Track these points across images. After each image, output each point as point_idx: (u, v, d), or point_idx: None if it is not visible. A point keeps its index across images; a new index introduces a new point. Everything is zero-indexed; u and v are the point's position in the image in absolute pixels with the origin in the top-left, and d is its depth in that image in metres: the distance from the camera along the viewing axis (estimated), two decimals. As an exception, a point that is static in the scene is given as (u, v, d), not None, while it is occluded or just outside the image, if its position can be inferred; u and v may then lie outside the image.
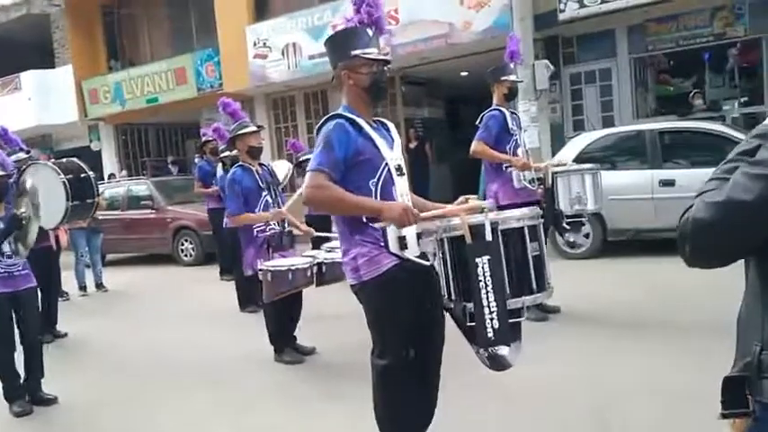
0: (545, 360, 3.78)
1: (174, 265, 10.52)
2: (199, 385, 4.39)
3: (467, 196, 2.57)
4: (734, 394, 1.18)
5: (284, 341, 4.67)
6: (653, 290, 5.66)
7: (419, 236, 2.56)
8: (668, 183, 6.88)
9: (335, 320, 5.60)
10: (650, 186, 6.98)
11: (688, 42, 9.70)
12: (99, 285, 8.76)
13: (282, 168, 7.80)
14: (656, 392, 3.42)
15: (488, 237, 2.11)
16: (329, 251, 4.43)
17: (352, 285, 2.59)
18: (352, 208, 2.47)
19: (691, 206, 1.16)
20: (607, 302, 5.37)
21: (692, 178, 6.81)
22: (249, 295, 6.51)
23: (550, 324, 4.77)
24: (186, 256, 10.54)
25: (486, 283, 2.08)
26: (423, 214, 2.41)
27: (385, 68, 2.65)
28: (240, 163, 4.74)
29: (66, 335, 6.19)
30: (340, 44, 2.66)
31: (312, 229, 4.86)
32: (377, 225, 2.42)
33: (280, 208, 4.68)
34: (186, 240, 10.53)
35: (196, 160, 12.62)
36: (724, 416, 1.22)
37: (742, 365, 1.18)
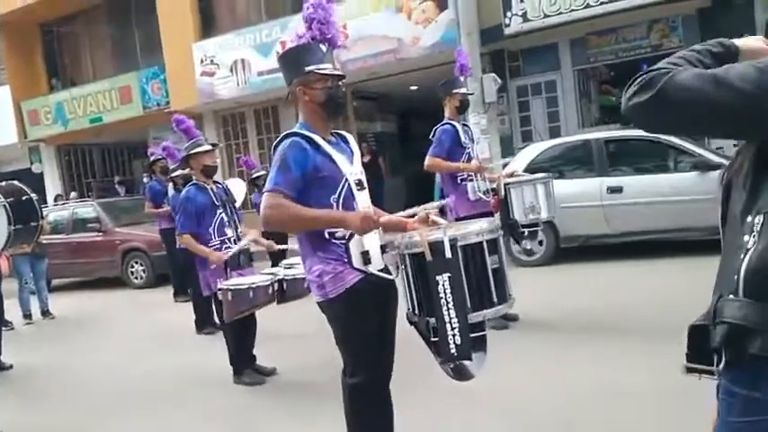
0: (506, 365, 3.83)
1: (124, 288, 10.20)
2: (157, 411, 4.25)
3: (425, 208, 2.58)
4: (697, 346, 1.21)
5: (244, 362, 4.58)
6: (605, 294, 5.82)
7: (383, 249, 2.56)
8: (616, 190, 7.11)
9: (295, 339, 5.53)
10: (599, 194, 7.19)
11: (627, 54, 10.11)
12: (45, 313, 8.41)
13: (238, 187, 7.70)
14: (611, 393, 3.52)
15: (448, 254, 2.12)
16: (288, 267, 4.38)
17: (318, 302, 2.58)
18: (311, 222, 2.45)
19: (659, 67, 1.20)
20: (561, 308, 5.49)
21: (639, 185, 7.08)
22: (206, 316, 6.38)
23: (509, 331, 4.83)
24: (137, 278, 10.24)
25: (447, 300, 2.10)
26: (381, 219, 2.43)
27: (340, 83, 2.65)
28: (194, 181, 4.65)
29: (11, 366, 5.91)
30: (293, 60, 2.64)
31: (273, 243, 4.80)
32: (338, 234, 2.42)
33: (236, 226, 4.60)
34: (136, 262, 10.24)
35: (145, 180, 12.34)
36: (688, 369, 1.24)
37: (704, 315, 1.22)
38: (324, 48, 2.64)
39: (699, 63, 1.25)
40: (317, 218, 2.43)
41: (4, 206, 5.30)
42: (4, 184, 5.99)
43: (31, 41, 16.58)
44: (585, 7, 9.34)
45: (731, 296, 1.16)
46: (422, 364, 2.76)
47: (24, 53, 16.50)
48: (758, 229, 1.14)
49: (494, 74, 10.14)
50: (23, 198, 5.63)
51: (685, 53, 1.28)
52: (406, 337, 2.66)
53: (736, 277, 1.16)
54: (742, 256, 1.15)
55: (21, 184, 5.90)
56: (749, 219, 1.16)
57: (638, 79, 1.21)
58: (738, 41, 1.31)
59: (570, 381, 3.77)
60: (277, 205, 2.40)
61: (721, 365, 1.17)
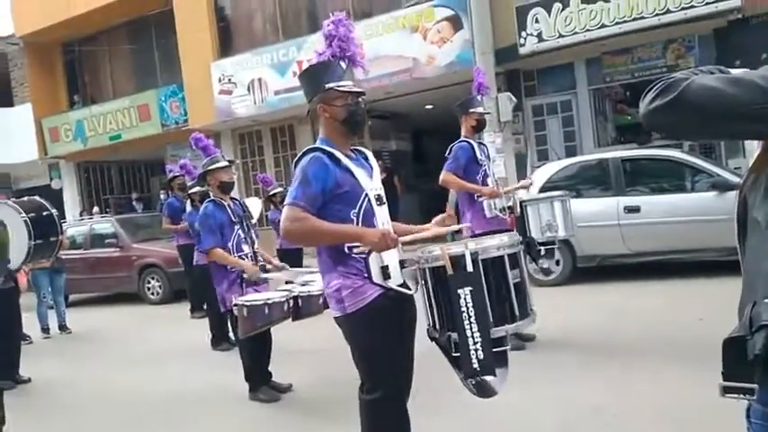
0: (518, 384, 3.79)
1: (141, 303, 10.26)
2: (173, 426, 4.25)
3: (443, 215, 2.59)
4: (734, 362, 1.13)
5: (260, 378, 4.57)
6: (622, 314, 5.76)
7: (402, 264, 2.56)
8: (633, 209, 7.07)
9: (311, 356, 5.53)
10: (616, 213, 7.15)
11: (643, 74, 10.10)
12: (62, 327, 8.48)
13: (255, 205, 7.76)
14: (625, 414, 3.47)
15: (469, 267, 2.12)
16: (304, 284, 4.38)
17: (336, 317, 2.57)
18: (330, 236, 2.47)
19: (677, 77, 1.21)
20: (578, 328, 5.44)
21: (656, 204, 7.03)
22: (221, 333, 6.39)
23: (525, 351, 4.79)
24: (153, 294, 10.30)
25: (469, 313, 2.09)
26: (402, 238, 2.42)
27: (360, 100, 2.67)
28: (212, 198, 4.70)
29: (29, 380, 5.94)
30: (313, 78, 2.67)
31: (286, 265, 4.82)
32: (356, 250, 2.42)
33: (253, 242, 4.63)
34: (153, 278, 10.31)
35: (162, 197, 12.46)
36: (726, 389, 1.15)
37: (739, 326, 1.16)
38: (344, 65, 2.67)
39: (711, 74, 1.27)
40: (335, 232, 2.44)
41: (25, 221, 5.39)
42: (25, 199, 6.09)
43: (53, 60, 16.93)
44: (600, 27, 9.38)
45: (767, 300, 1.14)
46: (439, 382, 2.74)
47: (46, 72, 16.84)
48: None
49: (509, 93, 10.17)
50: (44, 213, 5.71)
51: (695, 70, 1.30)
52: (426, 354, 2.64)
53: None
54: None
55: (42, 200, 5.99)
56: None
57: (658, 85, 1.22)
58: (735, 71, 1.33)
59: (583, 403, 3.72)
60: (297, 218, 2.42)
61: (758, 379, 1.12)
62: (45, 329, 8.26)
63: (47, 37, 15.91)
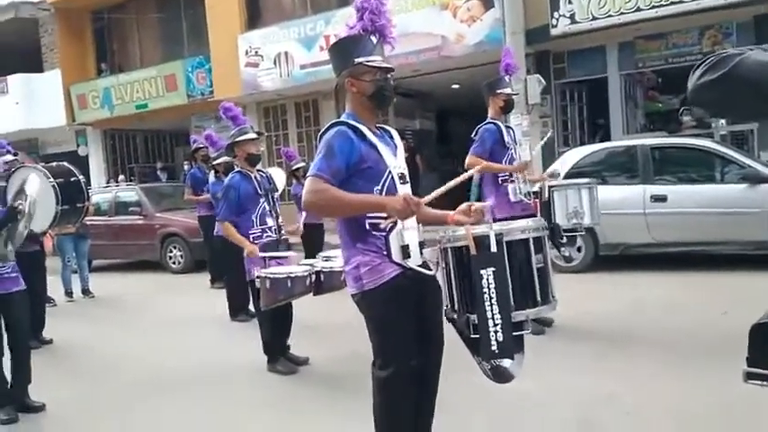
0: (534, 371, 3.77)
1: (162, 272, 10.41)
2: (189, 394, 4.32)
3: (470, 203, 2.54)
4: (760, 347, 1.10)
5: (278, 351, 4.62)
6: (643, 305, 5.69)
7: (422, 245, 2.54)
8: (660, 198, 6.94)
9: (329, 331, 5.56)
10: (642, 202, 7.03)
11: (677, 60, 9.85)
12: (85, 291, 8.64)
13: (280, 176, 7.77)
14: (644, 405, 3.44)
15: (493, 248, 2.09)
16: (326, 260, 4.39)
17: (353, 294, 2.56)
18: (352, 206, 2.43)
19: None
20: (597, 316, 5.38)
21: (684, 194, 6.90)
22: (240, 304, 6.45)
23: (543, 336, 4.76)
24: (174, 263, 10.44)
25: (490, 295, 2.07)
26: (423, 209, 2.34)
27: (388, 76, 2.63)
28: (239, 169, 4.70)
29: (51, 341, 6.09)
30: (343, 52, 2.63)
31: (300, 227, 4.86)
32: (383, 224, 2.37)
33: (277, 215, 4.64)
34: (175, 247, 10.43)
35: (186, 167, 12.54)
36: (749, 375, 1.12)
37: (766, 313, 1.12)
38: (374, 39, 2.63)
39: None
40: (357, 202, 2.41)
41: (53, 186, 5.45)
42: (54, 164, 6.15)
43: (83, 27, 17.02)
44: (636, 10, 9.15)
45: None
46: (453, 366, 2.72)
47: (75, 39, 16.94)
48: None
49: (538, 75, 10.00)
50: (71, 179, 5.76)
51: (750, 47, 1.25)
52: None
53: None
54: None
55: (69, 166, 6.05)
56: None
57: (708, 60, 1.18)
58: None
59: (600, 392, 3.69)
60: (319, 190, 2.39)
61: None
62: (68, 293, 8.43)
63: (77, 3, 15.98)
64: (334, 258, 4.30)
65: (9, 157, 6.11)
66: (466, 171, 5.04)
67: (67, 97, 16.48)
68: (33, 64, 17.33)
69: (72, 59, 16.69)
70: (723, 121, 9.81)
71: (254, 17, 13.79)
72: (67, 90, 16.44)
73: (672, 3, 8.87)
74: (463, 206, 2.50)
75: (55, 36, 16.94)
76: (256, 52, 13.11)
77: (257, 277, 4.15)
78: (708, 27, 9.53)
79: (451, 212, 2.48)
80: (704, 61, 1.20)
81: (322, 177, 2.40)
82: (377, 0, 2.65)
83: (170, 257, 10.47)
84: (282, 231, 4.64)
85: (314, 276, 4.10)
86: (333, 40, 2.94)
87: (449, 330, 2.53)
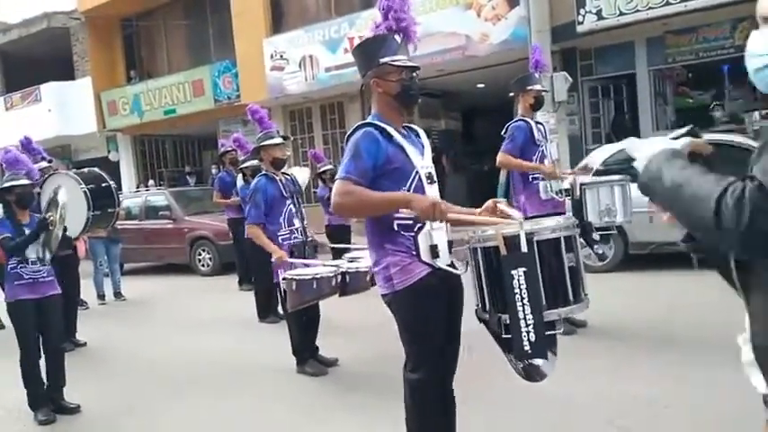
0: (566, 371, 3.73)
1: (191, 274, 10.55)
2: (220, 395, 4.36)
3: (495, 200, 2.51)
4: None
5: (306, 352, 4.64)
6: (675, 305, 5.58)
7: (450, 244, 2.52)
8: (691, 195, 6.79)
9: (358, 331, 5.57)
10: (672, 199, 6.89)
11: (708, 54, 9.65)
12: (117, 294, 8.79)
13: (303, 174, 7.80)
14: (675, 407, 3.38)
15: (524, 248, 2.06)
16: (351, 261, 4.40)
17: (383, 295, 2.55)
18: (380, 204, 2.42)
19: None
20: (627, 316, 5.30)
21: (716, 191, 6.73)
22: (269, 305, 6.50)
23: (572, 337, 4.70)
24: (203, 265, 10.57)
25: (521, 295, 2.04)
26: (450, 215, 2.34)
27: (414, 75, 2.62)
28: (264, 172, 4.74)
29: (85, 343, 6.21)
30: (368, 52, 2.62)
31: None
32: (404, 212, 2.35)
33: (303, 217, 4.67)
34: (203, 250, 10.56)
35: (214, 171, 12.70)
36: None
37: None
38: (399, 39, 2.62)
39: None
40: (385, 199, 2.40)
41: (85, 192, 5.56)
42: (85, 170, 6.28)
43: (112, 35, 17.36)
44: (665, 5, 8.97)
45: None
46: (486, 366, 2.70)
47: (105, 46, 17.30)
48: None
49: (565, 72, 9.89)
50: (102, 185, 5.88)
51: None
52: (475, 336, 2.61)
53: None
54: None
55: (100, 172, 6.17)
56: None
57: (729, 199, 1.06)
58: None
59: (632, 393, 3.63)
60: (348, 192, 2.39)
61: None
62: (101, 296, 8.59)
63: (107, 12, 16.31)
64: (359, 259, 4.30)
65: (44, 164, 6.25)
66: (490, 170, 5.05)
67: (98, 104, 16.82)
68: (65, 72, 17.73)
69: (102, 67, 17.04)
70: (756, 114, 9.58)
71: (278, 21, 13.91)
72: (98, 97, 16.79)
73: (702, -4, 8.69)
74: (490, 205, 2.47)
75: (86, 44, 17.31)
76: (281, 56, 13.21)
77: (283, 279, 4.18)
78: (740, 20, 9.30)
79: (477, 211, 2.46)
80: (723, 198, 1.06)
81: (350, 179, 2.40)
82: (401, 0, 2.64)
83: (199, 260, 10.61)
84: (309, 233, 4.66)
85: (339, 277, 4.11)
86: (357, 42, 2.94)
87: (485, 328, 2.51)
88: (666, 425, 3.22)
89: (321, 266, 4.30)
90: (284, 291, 4.20)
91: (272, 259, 4.45)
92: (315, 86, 12.88)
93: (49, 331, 4.18)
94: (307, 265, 4.44)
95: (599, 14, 9.48)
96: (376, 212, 2.49)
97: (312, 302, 4.28)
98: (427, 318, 2.46)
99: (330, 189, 8.29)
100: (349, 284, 4.20)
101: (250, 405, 4.12)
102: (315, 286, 4.01)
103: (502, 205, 2.44)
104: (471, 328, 2.54)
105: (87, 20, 16.80)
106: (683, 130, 1.64)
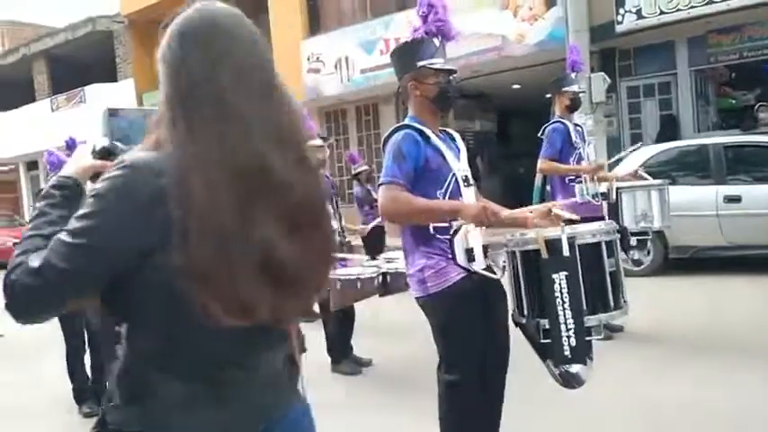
0: (604, 377, 3.69)
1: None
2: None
3: (548, 204, 2.46)
4: None
5: (342, 352, 4.69)
6: (715, 310, 5.46)
7: (486, 248, 2.52)
8: (734, 199, 6.64)
9: (392, 332, 5.59)
10: (714, 203, 6.75)
11: (753, 54, 9.39)
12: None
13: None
14: (711, 415, 3.31)
15: (566, 252, 2.06)
16: (389, 261, 4.42)
17: (417, 298, 2.55)
18: (430, 213, 2.41)
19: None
20: (667, 322, 5.21)
21: (760, 194, 6.57)
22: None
23: (609, 342, 4.64)
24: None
25: (563, 299, 2.03)
26: (503, 214, 2.30)
27: (451, 78, 2.62)
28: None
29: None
30: (406, 55, 2.64)
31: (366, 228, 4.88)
32: (455, 224, 2.35)
33: (340, 217, 4.72)
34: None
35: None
36: None
37: None
38: (437, 42, 2.63)
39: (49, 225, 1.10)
40: (435, 208, 2.39)
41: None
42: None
43: (154, 38, 17.46)
44: (707, 3, 8.77)
45: None
46: (523, 371, 2.69)
47: (147, 49, 17.67)
48: None
49: (603, 73, 9.75)
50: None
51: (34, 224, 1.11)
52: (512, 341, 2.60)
53: None
54: None
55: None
56: None
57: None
58: None
59: (671, 400, 3.57)
60: (396, 198, 2.39)
61: None
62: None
63: (149, 15, 16.69)
64: (396, 260, 4.32)
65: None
66: (532, 171, 4.99)
67: (140, 105, 17.22)
68: (109, 74, 18.22)
69: (144, 69, 17.45)
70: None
71: (315, 23, 14.03)
72: (140, 98, 17.19)
73: (746, -7, 8.46)
74: (542, 208, 2.42)
75: (128, 47, 17.76)
76: (318, 58, 13.33)
77: (327, 278, 4.22)
78: (787, 18, 9.05)
79: (530, 215, 2.43)
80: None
81: (398, 184, 2.39)
82: (441, 3, 2.66)
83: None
84: (346, 234, 4.71)
85: (381, 278, 4.14)
86: (394, 45, 2.96)
87: (518, 333, 2.50)
88: (705, 430, 3.16)
89: (361, 267, 4.34)
90: (327, 290, 4.25)
91: None
92: (350, 88, 12.96)
93: (91, 325, 4.31)
94: (344, 264, 4.49)
95: (639, 14, 9.31)
96: (425, 221, 2.47)
97: (355, 302, 4.33)
98: (461, 321, 2.45)
99: (366, 189, 8.35)
100: (390, 284, 4.23)
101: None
102: (359, 286, 4.05)
103: (556, 209, 2.39)
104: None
105: (130, 23, 17.24)
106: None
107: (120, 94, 17.54)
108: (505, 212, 2.40)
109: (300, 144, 1.16)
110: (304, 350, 1.46)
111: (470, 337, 2.48)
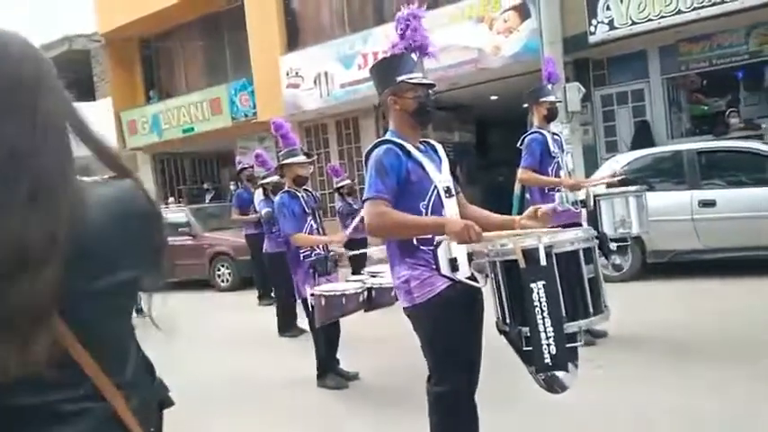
0: (588, 382, 3.74)
1: (211, 290, 10.67)
2: (239, 409, 4.43)
3: (536, 207, 2.53)
4: None
5: (328, 366, 4.70)
6: (695, 313, 5.57)
7: (470, 257, 2.57)
8: (708, 203, 6.79)
9: (378, 345, 5.61)
10: (689, 207, 6.89)
11: (723, 61, 9.63)
12: (139, 310, 8.87)
13: None
14: (696, 419, 3.38)
15: (543, 261, 2.11)
16: (373, 275, 4.46)
17: (404, 308, 2.60)
18: (414, 229, 2.47)
19: None
20: (647, 326, 5.29)
21: (733, 198, 6.73)
22: (289, 320, 6.58)
23: (591, 348, 4.71)
24: (223, 281, 10.69)
25: (541, 308, 2.09)
26: (486, 234, 2.33)
27: (430, 92, 2.69)
28: (286, 189, 4.84)
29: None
30: (385, 70, 2.70)
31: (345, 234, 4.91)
32: (438, 239, 2.40)
33: (323, 233, 4.75)
34: (223, 266, 10.69)
35: (232, 188, 12.83)
36: None
37: None
38: (415, 57, 2.70)
39: None
40: (419, 224, 2.45)
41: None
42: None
43: (132, 56, 17.70)
44: (677, 13, 8.99)
45: None
46: (509, 377, 2.74)
47: (125, 67, 17.64)
48: None
49: (577, 83, 9.93)
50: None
51: None
52: (498, 348, 2.65)
53: None
54: None
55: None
56: None
57: None
58: None
59: (655, 403, 3.64)
60: (381, 213, 2.43)
61: None
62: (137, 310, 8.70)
63: (126, 34, 16.65)
64: (381, 274, 4.36)
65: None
66: (511, 180, 5.08)
67: (118, 124, 17.12)
68: (86, 93, 18.07)
69: (122, 87, 17.37)
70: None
71: (293, 39, 14.10)
72: (118, 117, 17.08)
73: (714, 3, 8.69)
74: (530, 210, 2.50)
75: (105, 66, 17.65)
76: (297, 73, 13.39)
77: (311, 295, 4.25)
78: (754, 26, 9.29)
79: (518, 218, 2.49)
80: None
81: (383, 198, 2.44)
82: (417, 19, 2.73)
83: (218, 275, 10.73)
84: (330, 248, 4.74)
85: (366, 293, 4.17)
86: (373, 59, 3.03)
87: (503, 339, 2.55)
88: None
89: (347, 282, 4.37)
90: (312, 306, 4.27)
91: (297, 276, 4.53)
92: (330, 102, 13.01)
93: None
94: (330, 279, 4.52)
95: (611, 25, 9.52)
96: (409, 236, 2.52)
97: (339, 318, 4.35)
98: (448, 331, 2.49)
99: (348, 203, 8.39)
100: (375, 299, 4.26)
101: (269, 419, 4.17)
102: (344, 302, 4.08)
103: (543, 209, 2.44)
104: (496, 339, 2.58)
105: (107, 42, 17.16)
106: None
107: (98, 112, 17.37)
108: (492, 224, 2.45)
109: None
110: None
111: (458, 347, 2.52)
